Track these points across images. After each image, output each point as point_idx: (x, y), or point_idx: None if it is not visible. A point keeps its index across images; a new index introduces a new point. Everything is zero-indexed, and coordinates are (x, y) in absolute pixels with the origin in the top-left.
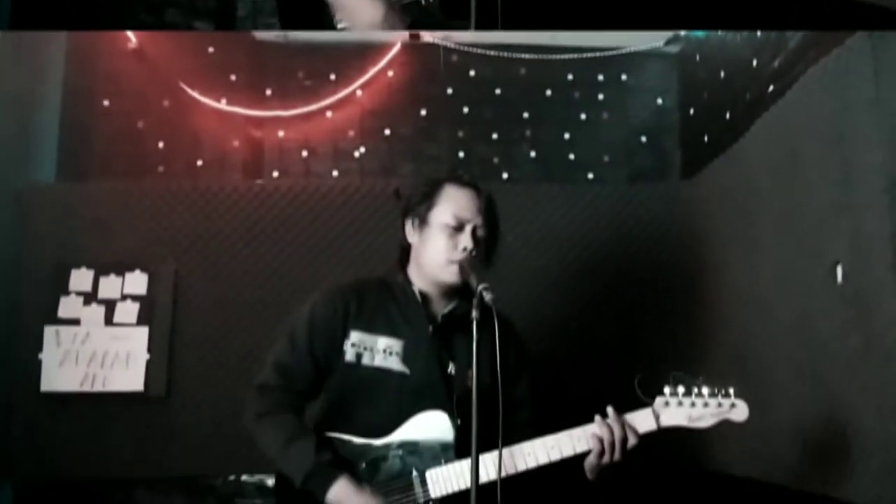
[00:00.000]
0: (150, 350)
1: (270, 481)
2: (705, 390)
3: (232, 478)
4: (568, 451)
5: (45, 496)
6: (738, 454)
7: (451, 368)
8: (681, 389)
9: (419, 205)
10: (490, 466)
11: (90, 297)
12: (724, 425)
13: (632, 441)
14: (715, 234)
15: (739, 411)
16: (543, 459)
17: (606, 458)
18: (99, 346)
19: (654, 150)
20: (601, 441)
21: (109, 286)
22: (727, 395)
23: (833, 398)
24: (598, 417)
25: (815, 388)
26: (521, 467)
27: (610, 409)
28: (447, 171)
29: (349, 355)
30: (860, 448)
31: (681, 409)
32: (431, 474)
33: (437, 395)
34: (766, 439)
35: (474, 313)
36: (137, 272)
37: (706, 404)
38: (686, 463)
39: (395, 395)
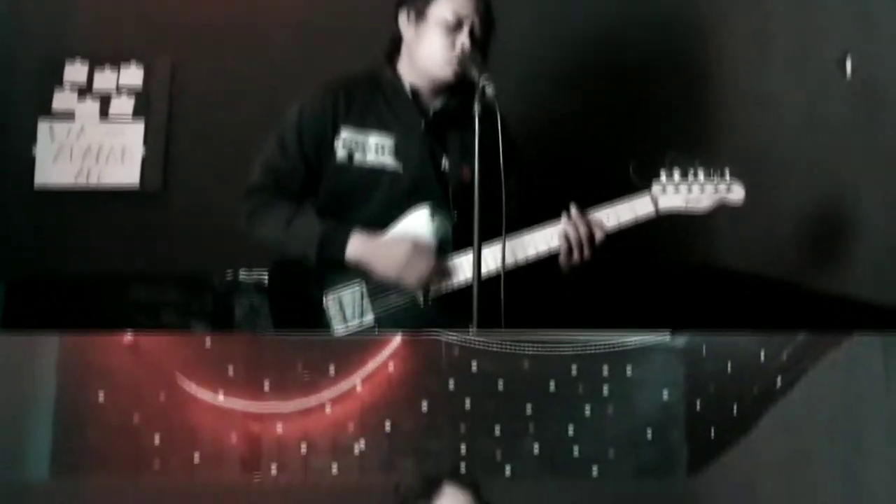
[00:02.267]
0: (146, 144)
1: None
2: (701, 173)
3: (230, 276)
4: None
5: (38, 292)
6: (736, 247)
7: (445, 163)
8: (677, 173)
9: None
10: (489, 259)
11: (84, 91)
12: (725, 215)
13: (598, 236)
14: None
15: (736, 193)
16: (543, 248)
17: (575, 257)
18: (94, 141)
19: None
20: (568, 239)
21: (104, 79)
22: (723, 176)
23: (837, 187)
24: (563, 215)
25: (819, 180)
26: (521, 258)
27: (572, 207)
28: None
29: (340, 153)
30: (862, 239)
31: (678, 193)
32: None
33: (432, 191)
34: (766, 229)
35: (476, 106)
36: (133, 65)
37: (702, 187)
38: (681, 258)
39: (388, 192)
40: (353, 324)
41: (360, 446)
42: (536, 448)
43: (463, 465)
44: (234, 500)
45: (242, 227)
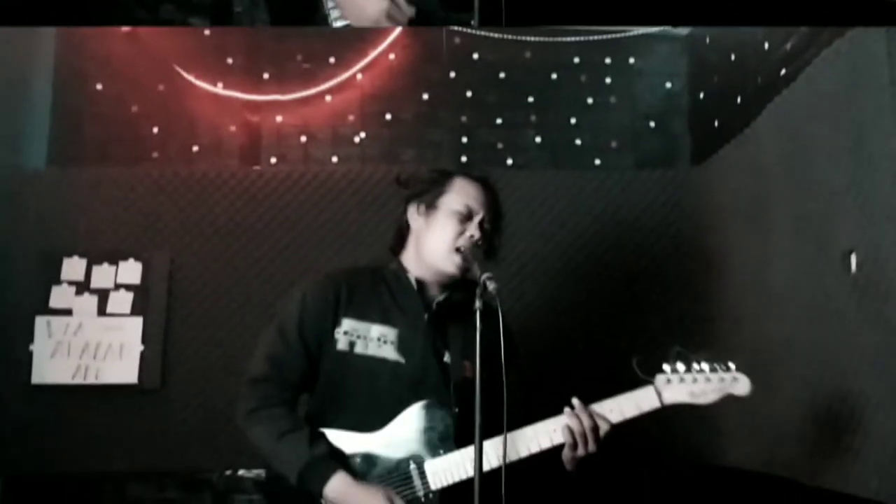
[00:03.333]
0: (144, 341)
1: None
2: (705, 366)
3: (229, 472)
4: (546, 444)
5: (36, 490)
6: (741, 445)
7: (447, 358)
8: (681, 366)
9: (428, 190)
10: (491, 455)
11: (83, 287)
12: (729, 411)
13: (604, 428)
14: (724, 221)
15: (741, 385)
16: (546, 444)
17: (580, 450)
18: (92, 337)
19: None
20: (572, 432)
21: (102, 275)
22: (728, 369)
23: (843, 386)
24: (566, 409)
25: (824, 376)
26: (524, 453)
27: (575, 400)
28: (457, 166)
29: (341, 343)
30: (868, 437)
31: (682, 385)
32: (430, 465)
33: (434, 385)
34: (770, 426)
35: (477, 303)
36: (131, 261)
37: (708, 379)
38: (685, 455)
39: (389, 385)
40: None
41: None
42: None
43: (464, 156)
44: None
45: (239, 421)
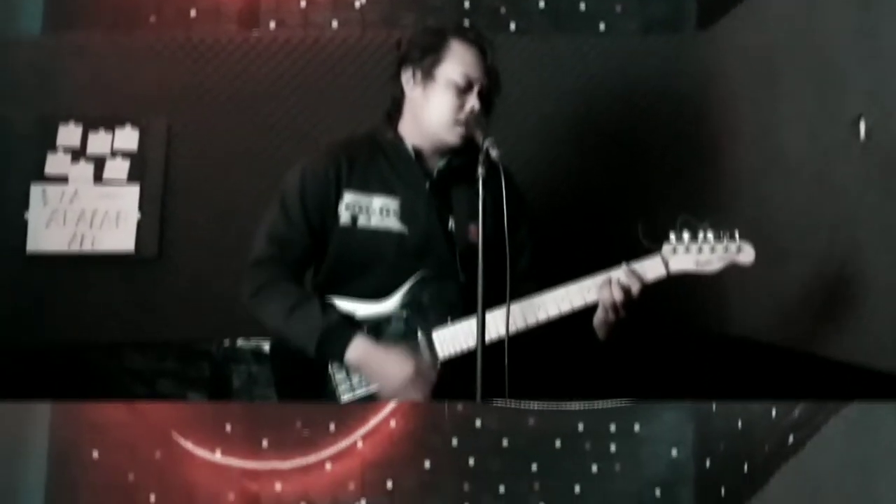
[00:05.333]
0: (141, 209)
1: (267, 346)
2: (710, 234)
3: (227, 343)
4: (578, 302)
5: (31, 361)
6: (744, 313)
7: (451, 224)
8: (686, 235)
9: (422, 58)
10: (500, 322)
11: (78, 154)
12: (735, 281)
13: (635, 290)
14: (732, 85)
15: (746, 254)
16: (554, 312)
17: (614, 314)
18: (88, 205)
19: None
20: (611, 294)
21: (99, 142)
22: (733, 237)
23: (849, 254)
24: (604, 272)
25: (831, 244)
26: (532, 321)
27: (624, 265)
28: (453, 24)
29: (344, 217)
30: (873, 305)
31: (688, 254)
32: (438, 335)
33: (439, 253)
34: (775, 295)
35: (480, 169)
36: (128, 127)
37: (713, 248)
38: (689, 324)
39: (394, 255)
40: (360, 391)
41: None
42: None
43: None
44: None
45: (245, 303)
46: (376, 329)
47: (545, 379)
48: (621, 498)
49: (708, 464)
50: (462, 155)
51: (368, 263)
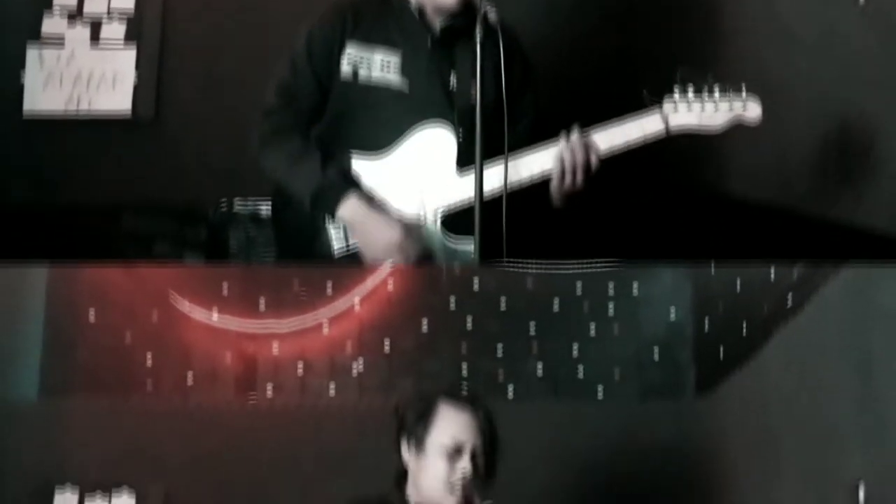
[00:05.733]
0: (138, 70)
1: (266, 208)
2: (716, 88)
3: (224, 206)
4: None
5: (27, 222)
6: (748, 175)
7: (453, 81)
8: (690, 90)
9: (415, 425)
10: (494, 179)
11: (75, 16)
12: (735, 139)
13: (594, 162)
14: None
15: (752, 109)
16: (537, 170)
17: (567, 182)
18: (84, 67)
19: None
20: (562, 162)
21: (95, 2)
22: (739, 91)
23: (852, 112)
24: (562, 137)
25: (833, 102)
26: (525, 175)
27: (574, 130)
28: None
29: (345, 69)
30: (879, 167)
31: (690, 110)
32: (433, 187)
33: (439, 109)
34: (777, 154)
35: (478, 29)
36: None
37: (717, 104)
38: (686, 185)
39: (394, 109)
40: (354, 247)
41: None
42: None
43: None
44: None
45: (253, 149)
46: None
47: (542, 240)
48: (619, 359)
49: (706, 325)
50: (467, 16)
51: (368, 116)
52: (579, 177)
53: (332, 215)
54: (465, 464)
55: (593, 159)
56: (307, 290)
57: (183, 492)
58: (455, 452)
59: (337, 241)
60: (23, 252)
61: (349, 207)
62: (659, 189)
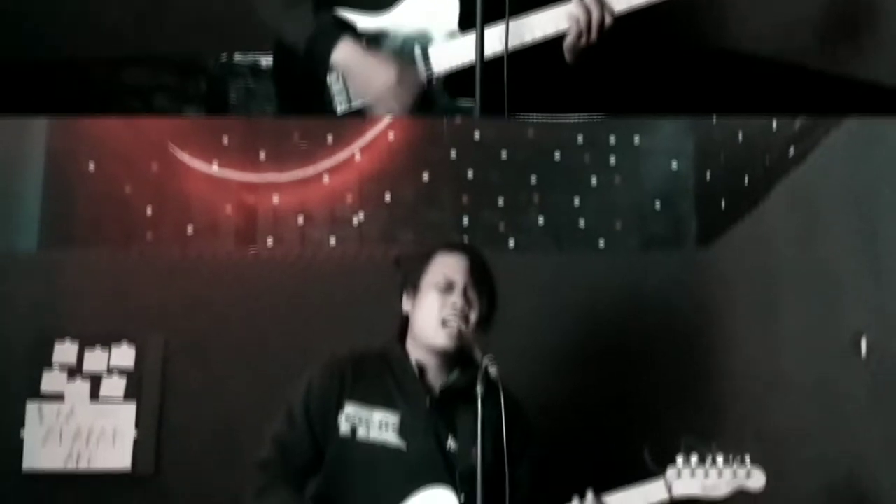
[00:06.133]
0: (137, 427)
1: (265, 61)
2: (720, 459)
3: (224, 57)
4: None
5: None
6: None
7: (451, 443)
8: (694, 458)
9: (413, 275)
10: (495, 41)
11: (75, 371)
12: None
13: (608, 21)
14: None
15: (755, 479)
16: (551, 29)
17: (585, 38)
18: (84, 423)
19: None
20: (577, 20)
21: (95, 360)
22: (743, 462)
23: (854, 473)
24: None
25: (836, 462)
26: (528, 38)
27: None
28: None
29: (343, 428)
30: (879, 20)
31: (694, 479)
32: (435, 49)
33: (437, 471)
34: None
35: (479, 388)
36: (125, 345)
37: (720, 473)
38: (688, 40)
39: (391, 471)
40: (356, 103)
41: None
42: None
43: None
44: None
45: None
46: (375, 41)
47: (544, 92)
48: (621, 210)
49: (708, 176)
50: (467, 372)
51: (366, 477)
52: (594, 34)
53: (328, 60)
54: (456, 299)
55: (607, 18)
56: (308, 141)
57: (182, 343)
58: (447, 288)
59: (340, 101)
60: (23, 105)
61: (344, 51)
62: (659, 43)
